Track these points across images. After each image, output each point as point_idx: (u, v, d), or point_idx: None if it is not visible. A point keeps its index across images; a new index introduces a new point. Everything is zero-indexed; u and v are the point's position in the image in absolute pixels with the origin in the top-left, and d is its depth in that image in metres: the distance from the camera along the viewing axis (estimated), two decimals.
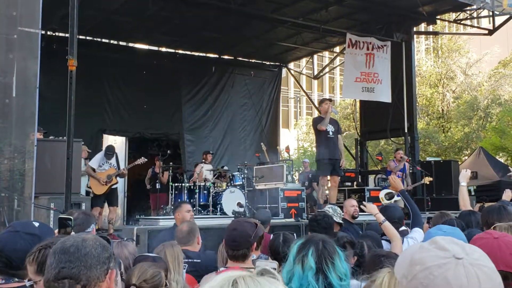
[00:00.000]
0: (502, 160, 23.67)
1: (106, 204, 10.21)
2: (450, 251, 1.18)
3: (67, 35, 6.56)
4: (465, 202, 5.25)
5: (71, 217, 3.08)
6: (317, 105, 13.39)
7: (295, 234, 3.94)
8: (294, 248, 2.26)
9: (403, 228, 5.36)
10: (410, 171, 12.15)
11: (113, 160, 10.01)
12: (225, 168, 12.34)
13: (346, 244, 3.82)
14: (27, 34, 6.01)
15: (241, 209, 9.18)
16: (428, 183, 11.79)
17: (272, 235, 4.05)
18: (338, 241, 3.49)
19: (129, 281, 2.84)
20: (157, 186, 11.92)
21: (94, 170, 9.78)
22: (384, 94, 13.83)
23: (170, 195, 10.36)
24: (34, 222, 2.66)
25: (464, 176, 5.52)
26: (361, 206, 5.21)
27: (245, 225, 3.32)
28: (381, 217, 4.67)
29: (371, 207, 4.89)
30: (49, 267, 1.77)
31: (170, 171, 11.25)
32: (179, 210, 5.98)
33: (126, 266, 3.47)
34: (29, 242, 2.40)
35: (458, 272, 1.14)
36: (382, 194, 11.01)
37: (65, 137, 6.43)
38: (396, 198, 10.24)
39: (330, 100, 10.06)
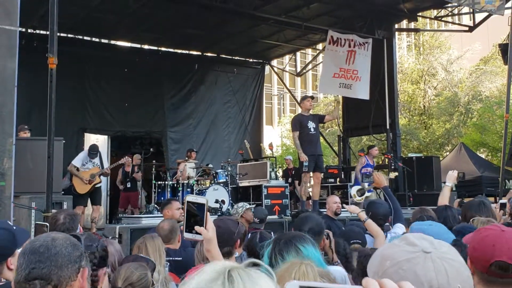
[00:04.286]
0: (482, 156, 23.98)
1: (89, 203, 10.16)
2: (419, 246, 1.20)
3: (47, 32, 6.50)
4: (444, 200, 5.21)
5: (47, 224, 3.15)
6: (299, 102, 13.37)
7: (272, 233, 3.97)
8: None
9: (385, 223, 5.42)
10: (392, 167, 12.24)
11: (96, 159, 9.93)
12: (210, 166, 12.34)
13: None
14: (6, 32, 5.94)
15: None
16: (394, 177, 11.79)
17: (249, 234, 4.08)
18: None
19: (115, 283, 2.75)
20: (128, 185, 11.91)
21: (77, 169, 9.71)
22: (362, 92, 13.89)
23: (153, 193, 10.33)
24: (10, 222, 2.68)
25: (450, 177, 5.39)
26: (344, 205, 5.34)
27: (228, 222, 3.34)
28: (363, 216, 4.73)
29: (353, 208, 5.06)
30: (19, 268, 1.74)
31: (153, 169, 11.20)
32: (168, 208, 5.85)
33: (112, 263, 3.46)
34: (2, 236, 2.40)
35: (427, 266, 1.16)
36: (353, 191, 10.67)
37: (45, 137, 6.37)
38: (367, 194, 10.14)
39: (312, 97, 10.04)
